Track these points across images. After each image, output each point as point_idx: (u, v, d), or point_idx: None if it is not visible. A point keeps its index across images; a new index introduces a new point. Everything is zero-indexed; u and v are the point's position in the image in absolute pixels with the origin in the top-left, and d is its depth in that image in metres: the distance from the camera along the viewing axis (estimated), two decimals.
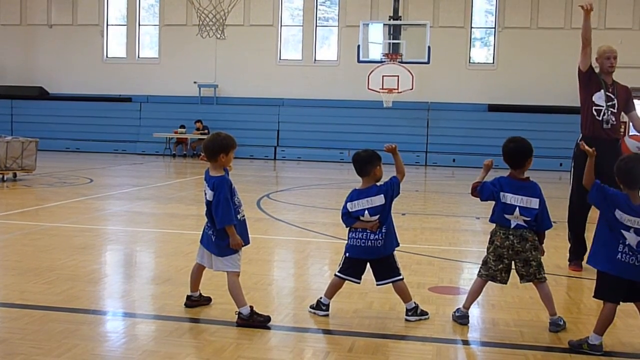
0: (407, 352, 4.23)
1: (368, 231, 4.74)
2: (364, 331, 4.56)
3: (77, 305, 5.00)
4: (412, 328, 4.68)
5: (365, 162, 4.80)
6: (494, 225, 4.79)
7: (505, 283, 4.80)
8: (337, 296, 4.96)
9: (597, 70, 6.83)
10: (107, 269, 6.58)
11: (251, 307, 4.61)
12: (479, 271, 4.82)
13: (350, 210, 4.80)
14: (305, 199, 12.64)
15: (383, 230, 4.75)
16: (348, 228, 4.88)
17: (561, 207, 11.95)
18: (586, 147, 4.42)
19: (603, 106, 6.69)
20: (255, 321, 4.56)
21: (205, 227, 4.82)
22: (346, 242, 4.90)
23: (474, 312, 4.91)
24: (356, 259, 4.82)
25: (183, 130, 24.45)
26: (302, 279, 6.30)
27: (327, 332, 4.59)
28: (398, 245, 4.91)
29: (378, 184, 4.82)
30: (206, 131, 23.94)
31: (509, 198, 4.65)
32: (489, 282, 4.82)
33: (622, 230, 4.14)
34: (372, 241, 4.74)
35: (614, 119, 6.67)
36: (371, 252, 4.77)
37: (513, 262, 4.72)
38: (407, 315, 4.82)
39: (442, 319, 4.87)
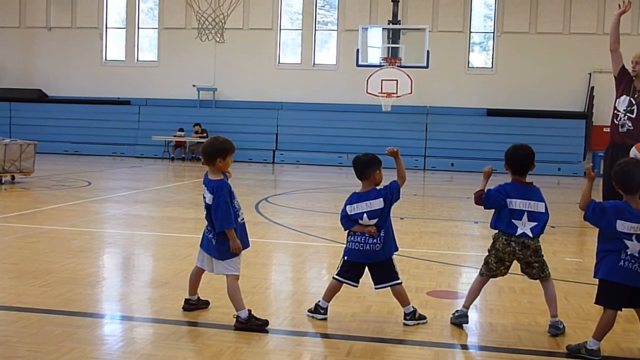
0: (405, 356, 4.22)
1: (367, 235, 4.74)
2: (362, 335, 4.55)
3: (75, 308, 4.99)
4: (410, 332, 4.67)
5: (365, 166, 4.80)
6: (492, 229, 4.79)
7: (504, 275, 4.84)
8: (335, 300, 4.95)
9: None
10: (105, 272, 6.56)
11: (249, 310, 4.60)
12: (480, 269, 4.84)
13: (349, 213, 4.80)
14: (303, 203, 12.64)
15: (381, 234, 4.75)
16: (347, 232, 4.89)
17: (559, 212, 11.99)
18: (589, 168, 4.43)
19: (621, 111, 6.70)
20: (253, 325, 4.55)
21: (205, 231, 4.81)
22: (345, 245, 4.89)
23: (472, 316, 4.90)
24: (355, 263, 4.82)
25: (182, 133, 24.47)
26: (300, 283, 6.29)
27: (325, 336, 4.58)
28: (397, 249, 4.90)
29: (378, 187, 4.82)
30: (205, 134, 23.96)
31: (517, 203, 4.64)
32: (487, 286, 4.84)
33: (624, 240, 4.14)
34: (371, 245, 4.74)
35: (630, 124, 6.63)
36: (369, 256, 4.76)
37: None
38: (405, 319, 4.81)
39: (440, 323, 4.87)
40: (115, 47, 27.75)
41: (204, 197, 4.72)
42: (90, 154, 24.97)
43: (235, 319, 4.58)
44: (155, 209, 10.96)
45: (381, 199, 4.74)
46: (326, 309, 4.89)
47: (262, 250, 7.46)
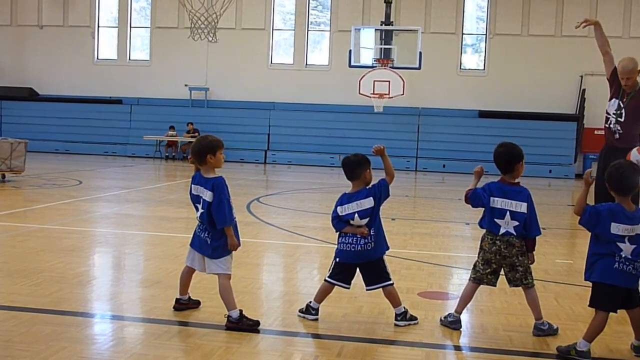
0: (396, 357, 4.23)
1: (358, 236, 4.74)
2: (353, 335, 4.55)
3: (65, 307, 4.97)
4: (401, 333, 4.68)
5: (355, 166, 4.81)
6: (484, 230, 4.81)
7: (494, 285, 4.83)
8: (327, 300, 4.95)
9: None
10: (96, 272, 6.54)
11: (240, 310, 4.60)
12: (470, 275, 4.85)
13: (340, 214, 4.80)
14: (295, 203, 12.63)
15: (372, 233, 4.75)
16: (338, 233, 4.89)
17: (550, 213, 12.04)
18: (588, 175, 4.38)
19: (611, 115, 6.74)
20: (244, 325, 4.55)
21: (196, 230, 4.80)
22: (336, 247, 4.89)
23: (463, 317, 4.91)
24: (346, 264, 4.82)
25: (173, 132, 24.43)
26: (292, 283, 6.29)
27: (316, 336, 4.58)
28: (388, 248, 4.91)
29: (367, 187, 4.83)
30: (197, 134, 23.93)
31: (499, 202, 4.67)
32: (479, 287, 4.85)
33: (617, 243, 4.16)
34: (362, 245, 4.74)
35: (620, 128, 6.67)
36: (361, 256, 4.76)
37: (501, 267, 4.75)
38: (396, 320, 4.82)
39: (431, 324, 4.88)
40: (107, 46, 27.67)
41: (199, 197, 4.70)
42: (82, 153, 24.89)
43: (226, 319, 4.58)
44: (146, 209, 10.93)
45: (371, 198, 4.75)
46: (317, 310, 4.89)
47: (254, 251, 7.45)
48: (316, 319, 4.84)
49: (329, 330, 4.66)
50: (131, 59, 27.43)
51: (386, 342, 4.49)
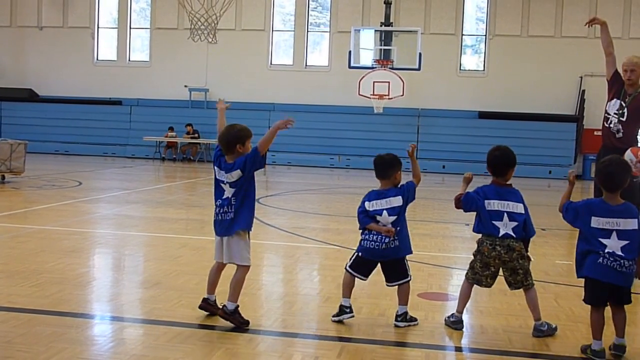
0: (396, 358, 4.23)
1: (382, 234, 4.74)
2: (353, 337, 4.56)
3: (65, 308, 4.97)
4: (401, 334, 4.68)
5: (388, 166, 4.86)
6: (476, 233, 4.81)
7: (490, 287, 4.83)
8: (326, 301, 4.96)
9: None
10: (96, 273, 6.54)
11: (237, 305, 4.65)
12: (467, 273, 4.86)
13: (368, 209, 4.80)
14: (295, 204, 12.63)
15: (397, 230, 4.75)
16: (361, 230, 4.87)
17: (550, 214, 12.02)
18: (572, 176, 4.59)
19: (612, 115, 6.75)
20: (236, 320, 4.61)
21: (217, 219, 4.75)
22: (358, 243, 4.88)
23: (463, 318, 4.91)
24: (368, 260, 4.83)
25: (173, 133, 24.42)
26: (292, 284, 6.29)
27: (316, 337, 4.58)
28: (411, 252, 4.90)
29: (396, 187, 4.86)
30: (196, 135, 23.97)
31: (496, 204, 4.68)
32: (478, 289, 4.86)
33: (600, 239, 4.18)
34: (386, 243, 4.73)
35: (621, 128, 6.68)
36: (385, 254, 4.76)
37: (500, 269, 4.75)
38: (396, 320, 4.82)
39: (431, 325, 4.88)
40: (107, 47, 27.67)
41: (222, 181, 4.69)
42: (81, 154, 24.89)
43: (221, 307, 4.63)
44: (146, 210, 10.93)
45: (400, 197, 4.79)
46: (351, 307, 4.85)
47: (254, 252, 7.36)
48: (352, 316, 4.83)
49: (329, 331, 4.67)
50: (131, 60, 27.43)
51: (386, 343, 4.49)
